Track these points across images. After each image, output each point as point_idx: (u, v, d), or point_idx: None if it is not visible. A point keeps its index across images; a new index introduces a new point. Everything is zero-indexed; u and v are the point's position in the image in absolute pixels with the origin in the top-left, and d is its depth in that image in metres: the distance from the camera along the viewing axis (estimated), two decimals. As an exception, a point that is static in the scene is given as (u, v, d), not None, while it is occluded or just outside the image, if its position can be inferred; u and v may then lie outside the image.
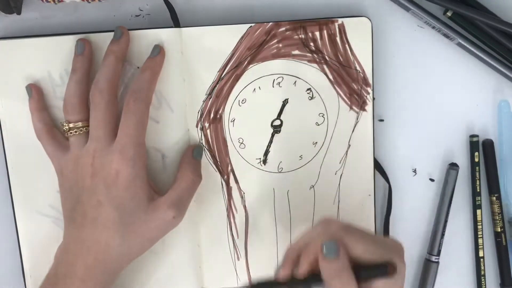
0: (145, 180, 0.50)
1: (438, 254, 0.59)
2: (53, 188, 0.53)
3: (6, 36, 0.53)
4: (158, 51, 0.52)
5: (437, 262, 0.59)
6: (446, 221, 0.58)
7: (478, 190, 0.58)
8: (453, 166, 0.58)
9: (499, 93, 0.58)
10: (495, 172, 0.58)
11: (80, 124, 0.50)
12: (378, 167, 0.57)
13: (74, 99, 0.50)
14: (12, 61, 0.52)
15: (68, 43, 0.52)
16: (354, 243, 0.44)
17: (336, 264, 0.43)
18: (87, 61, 0.51)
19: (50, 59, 0.52)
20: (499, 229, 0.58)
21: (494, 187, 0.58)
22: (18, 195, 0.54)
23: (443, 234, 0.58)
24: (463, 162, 0.59)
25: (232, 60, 0.53)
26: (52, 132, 0.52)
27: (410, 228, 0.60)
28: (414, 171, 0.58)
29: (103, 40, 0.52)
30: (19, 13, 0.52)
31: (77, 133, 0.50)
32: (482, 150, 0.58)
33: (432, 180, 0.58)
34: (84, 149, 0.50)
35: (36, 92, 0.52)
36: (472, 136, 0.57)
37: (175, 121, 0.54)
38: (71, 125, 0.50)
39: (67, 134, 0.51)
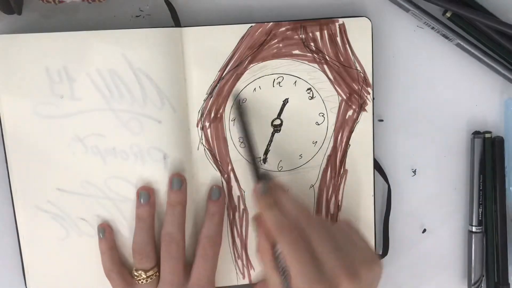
0: None
1: (480, 224, 0.58)
2: (53, 185, 0.53)
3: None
4: (219, 193, 0.54)
5: (481, 232, 0.59)
6: (480, 190, 0.58)
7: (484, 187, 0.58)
8: (477, 134, 0.58)
9: (498, 93, 0.58)
10: (502, 169, 0.58)
11: (153, 270, 0.53)
12: (377, 167, 0.57)
13: (147, 248, 0.52)
14: (11, 57, 0.52)
15: (66, 40, 0.52)
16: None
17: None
18: (153, 210, 0.53)
19: (48, 56, 0.52)
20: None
21: (501, 184, 0.58)
22: (17, 190, 0.54)
23: (480, 204, 0.58)
24: (463, 161, 0.59)
25: (233, 60, 0.53)
26: (122, 272, 0.54)
27: (409, 228, 0.60)
28: (414, 171, 0.59)
29: (103, 39, 0.52)
30: (19, 13, 0.52)
31: (151, 279, 0.52)
32: (491, 147, 0.58)
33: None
34: None
35: (108, 232, 0.54)
36: (484, 132, 0.58)
37: (177, 120, 0.53)
38: (148, 273, 0.52)
39: (141, 281, 0.52)
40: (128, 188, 0.54)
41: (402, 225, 0.59)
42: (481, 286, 0.60)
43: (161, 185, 0.54)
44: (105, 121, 0.53)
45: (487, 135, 0.57)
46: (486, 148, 0.58)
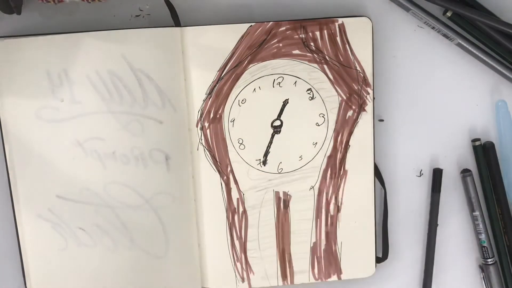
0: None
1: (489, 256, 0.59)
2: (53, 192, 0.53)
3: (6, 36, 0.53)
4: None
5: (495, 263, 0.59)
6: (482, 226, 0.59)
7: (485, 194, 0.59)
8: (466, 172, 0.58)
9: (498, 93, 0.58)
10: (499, 175, 0.58)
11: None
12: (375, 171, 0.56)
13: None
14: (12, 61, 0.52)
15: (66, 42, 0.52)
16: None
17: None
18: None
19: (49, 59, 0.52)
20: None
21: (500, 191, 0.58)
22: (18, 198, 0.53)
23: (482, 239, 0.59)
24: (463, 161, 0.59)
25: (232, 60, 0.53)
26: None
27: (409, 229, 0.60)
28: (415, 172, 0.58)
29: (103, 40, 0.52)
30: (19, 13, 0.52)
31: None
32: (483, 153, 0.58)
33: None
34: None
35: None
36: (474, 140, 0.57)
37: (177, 121, 0.53)
38: None
39: None
40: (129, 194, 0.54)
41: (403, 226, 0.59)
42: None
43: (164, 188, 0.54)
44: (104, 124, 0.52)
45: (476, 143, 0.57)
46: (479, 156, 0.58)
